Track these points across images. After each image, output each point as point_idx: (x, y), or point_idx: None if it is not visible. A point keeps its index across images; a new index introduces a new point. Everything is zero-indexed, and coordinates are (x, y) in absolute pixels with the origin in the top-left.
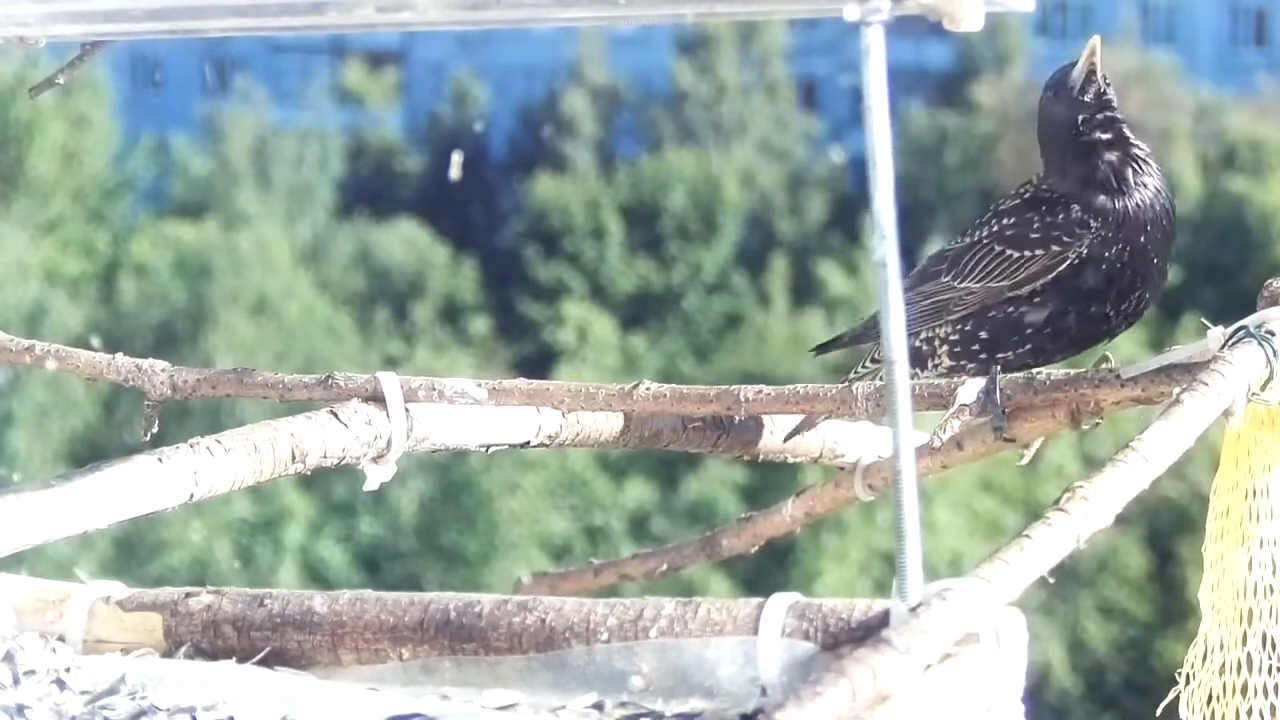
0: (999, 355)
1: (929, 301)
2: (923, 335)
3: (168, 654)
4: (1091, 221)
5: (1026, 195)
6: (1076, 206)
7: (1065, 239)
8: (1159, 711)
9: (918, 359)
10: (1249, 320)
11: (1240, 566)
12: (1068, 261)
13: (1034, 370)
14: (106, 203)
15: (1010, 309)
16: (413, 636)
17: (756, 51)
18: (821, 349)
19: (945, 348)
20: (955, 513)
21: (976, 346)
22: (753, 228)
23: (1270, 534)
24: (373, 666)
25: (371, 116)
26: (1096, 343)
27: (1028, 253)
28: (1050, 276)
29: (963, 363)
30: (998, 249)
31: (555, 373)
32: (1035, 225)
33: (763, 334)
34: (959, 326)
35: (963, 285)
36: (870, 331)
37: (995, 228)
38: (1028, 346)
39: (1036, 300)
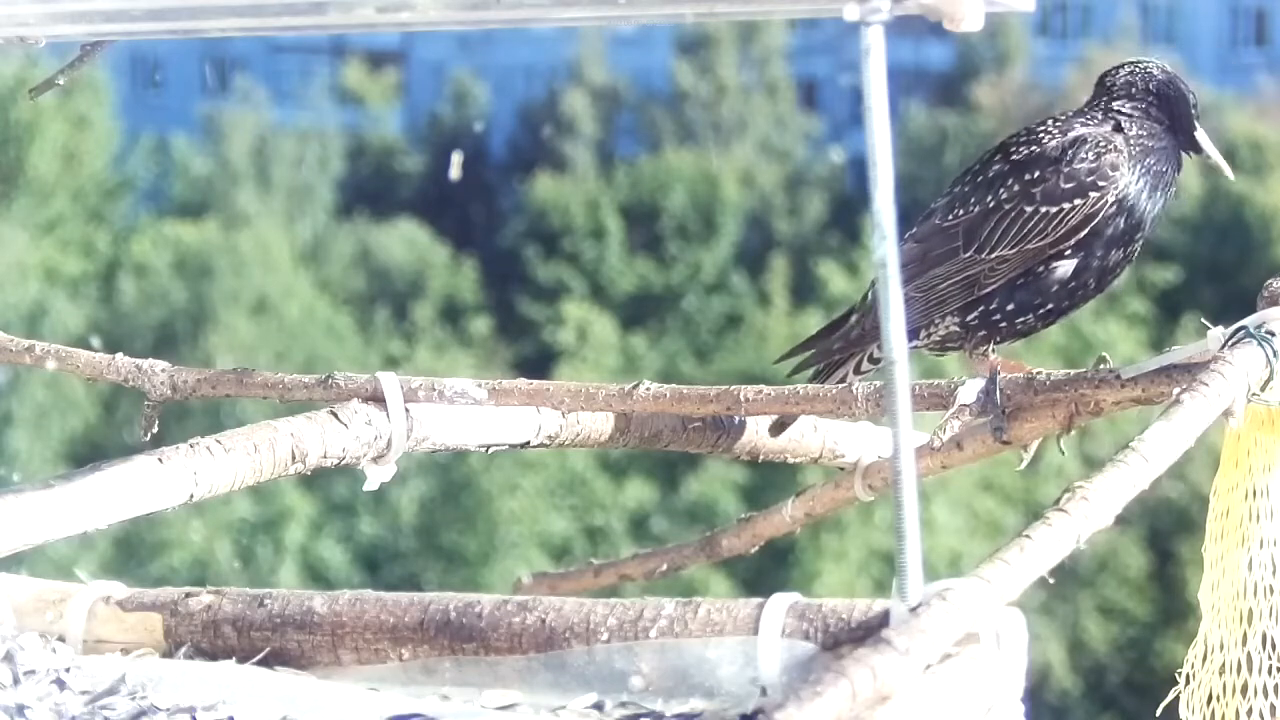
0: (1018, 321)
1: (951, 282)
2: (940, 314)
3: (168, 654)
4: (1118, 155)
5: (1027, 152)
6: (1095, 148)
7: (1100, 183)
8: (1159, 711)
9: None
10: (1249, 320)
11: (1240, 567)
12: (1106, 205)
13: (1034, 370)
14: (106, 203)
15: (1040, 269)
16: (413, 636)
17: (756, 51)
18: (787, 358)
19: (955, 319)
20: (955, 513)
21: (999, 316)
22: (752, 228)
23: (1270, 534)
24: (373, 666)
25: (371, 116)
26: (1099, 293)
27: (1065, 205)
28: (1091, 226)
29: (980, 334)
30: (1028, 209)
31: (555, 373)
32: (1064, 175)
33: (763, 334)
34: (986, 302)
35: (993, 255)
36: (846, 339)
37: (1015, 189)
38: (1049, 307)
39: (1066, 254)
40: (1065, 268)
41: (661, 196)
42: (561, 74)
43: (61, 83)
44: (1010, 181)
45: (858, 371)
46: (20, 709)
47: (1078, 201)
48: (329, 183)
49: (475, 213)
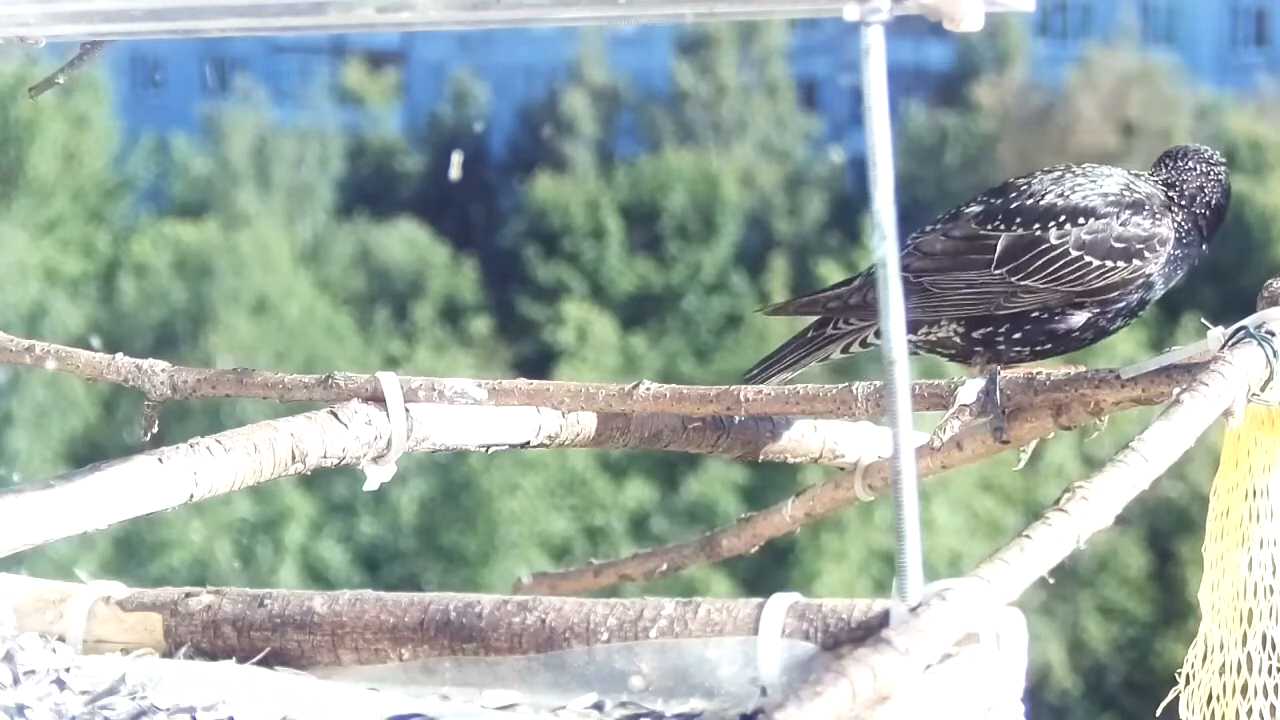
0: (1015, 350)
1: (972, 291)
2: (948, 316)
3: (168, 654)
4: (1169, 233)
5: (1082, 195)
6: (1152, 217)
7: (1147, 254)
8: (1159, 711)
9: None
10: (1249, 320)
11: (1240, 567)
12: (1142, 277)
13: (1034, 370)
14: (106, 203)
15: (1057, 313)
16: (413, 636)
17: (756, 51)
18: (777, 310)
19: (960, 328)
20: (955, 513)
21: (1001, 341)
22: (752, 228)
23: (1270, 534)
24: (373, 666)
25: (371, 116)
26: (1087, 346)
27: (1109, 263)
28: (1120, 291)
29: (977, 349)
30: (1074, 253)
31: (555, 373)
32: (1116, 234)
33: (763, 334)
34: (996, 323)
35: (1023, 282)
36: (844, 302)
37: (1066, 226)
38: (1047, 347)
39: (1084, 306)
40: (1078, 319)
41: (661, 196)
42: (561, 74)
43: (61, 82)
44: (1063, 219)
45: (845, 351)
46: (20, 709)
47: (1121, 263)
48: (329, 183)
49: (475, 213)
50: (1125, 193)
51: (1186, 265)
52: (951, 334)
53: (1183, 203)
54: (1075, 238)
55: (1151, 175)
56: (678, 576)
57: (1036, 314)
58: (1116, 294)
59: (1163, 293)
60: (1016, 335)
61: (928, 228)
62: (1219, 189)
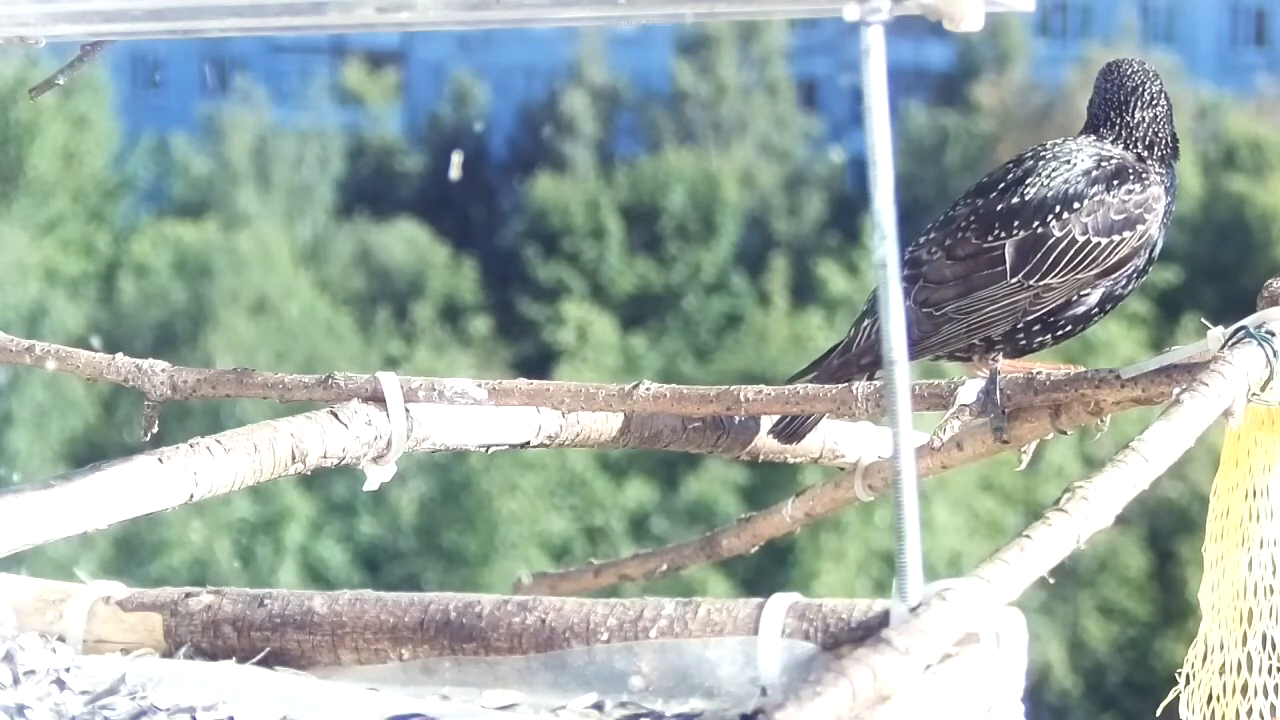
0: (1037, 341)
1: (997, 307)
2: (981, 336)
3: (168, 654)
4: (1160, 189)
5: (1064, 179)
6: (1139, 180)
7: (1147, 216)
8: (1159, 711)
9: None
10: (1249, 320)
11: (1240, 567)
12: (1147, 239)
13: (1035, 370)
14: (106, 203)
15: (1075, 298)
16: (413, 636)
17: (756, 51)
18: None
19: (981, 337)
20: (955, 513)
21: (1023, 338)
22: (752, 228)
23: (1270, 534)
24: (373, 666)
25: (371, 116)
26: (1105, 317)
27: (1116, 237)
28: (1134, 255)
29: (999, 347)
30: (1080, 238)
31: (555, 373)
32: (1114, 207)
33: (763, 334)
34: (1022, 324)
35: (1041, 283)
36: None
37: (1065, 216)
38: (1069, 330)
39: (1099, 284)
40: (1095, 296)
41: (661, 196)
42: (561, 74)
43: (61, 83)
44: (1058, 208)
45: (872, 378)
46: (20, 709)
47: (1127, 234)
48: (329, 183)
49: (475, 213)
50: (1102, 163)
51: (1175, 205)
52: (975, 340)
53: (1158, 151)
54: (1077, 223)
55: (1107, 131)
56: (678, 576)
57: (1059, 306)
58: (1129, 265)
59: (1163, 239)
60: (1037, 327)
61: (921, 239)
62: (1164, 108)
